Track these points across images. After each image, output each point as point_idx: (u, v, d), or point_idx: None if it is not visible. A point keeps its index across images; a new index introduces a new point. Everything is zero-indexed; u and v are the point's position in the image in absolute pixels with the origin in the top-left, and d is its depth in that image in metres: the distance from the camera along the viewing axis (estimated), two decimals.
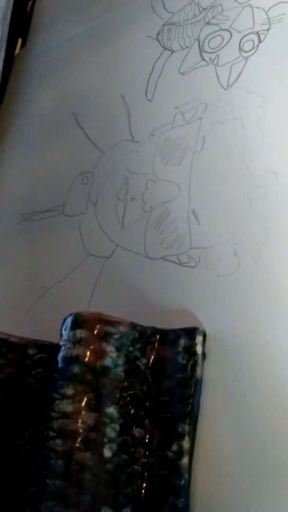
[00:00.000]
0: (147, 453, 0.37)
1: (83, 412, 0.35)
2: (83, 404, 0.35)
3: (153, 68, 0.56)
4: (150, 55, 0.57)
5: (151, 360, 0.40)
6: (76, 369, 0.36)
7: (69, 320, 0.39)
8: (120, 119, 0.56)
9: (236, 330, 0.39)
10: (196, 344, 0.39)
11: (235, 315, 0.40)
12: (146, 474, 0.37)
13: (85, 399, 0.36)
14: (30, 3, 0.79)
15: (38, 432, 0.40)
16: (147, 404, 0.38)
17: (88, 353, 0.37)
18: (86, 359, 0.37)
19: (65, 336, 0.38)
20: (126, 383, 0.38)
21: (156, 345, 0.40)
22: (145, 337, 0.40)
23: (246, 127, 0.46)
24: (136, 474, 0.36)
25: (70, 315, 0.39)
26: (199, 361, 0.39)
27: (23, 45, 0.76)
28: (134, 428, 0.37)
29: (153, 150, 0.52)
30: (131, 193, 0.51)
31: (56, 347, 0.43)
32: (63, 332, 0.39)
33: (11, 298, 0.55)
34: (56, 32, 0.70)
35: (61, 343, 0.38)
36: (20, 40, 0.77)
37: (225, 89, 0.50)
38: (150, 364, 0.40)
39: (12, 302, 0.54)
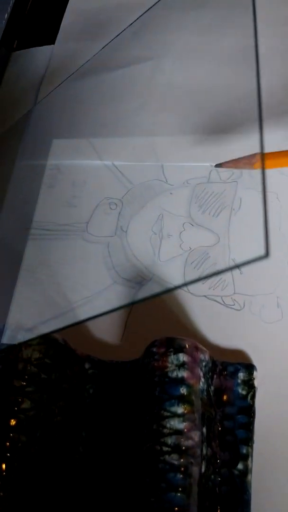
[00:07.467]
0: (217, 470, 0.42)
1: (193, 430, 0.38)
2: (191, 422, 0.39)
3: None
4: None
5: (214, 388, 0.45)
6: (183, 390, 0.40)
7: (168, 343, 0.42)
8: (152, 159, 0.60)
9: (283, 366, 0.47)
10: (254, 378, 0.45)
11: (282, 354, 0.47)
12: (217, 489, 0.41)
13: (193, 418, 0.39)
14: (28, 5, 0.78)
15: (93, 447, 0.42)
16: (214, 427, 0.43)
17: (191, 376, 0.41)
18: (191, 381, 0.40)
19: (165, 358, 0.41)
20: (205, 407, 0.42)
21: (219, 376, 0.45)
22: (213, 367, 0.45)
23: (281, 202, 0.56)
24: (211, 490, 0.40)
25: (166, 338, 0.42)
26: (256, 393, 0.45)
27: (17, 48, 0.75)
28: (207, 448, 0.42)
29: (189, 195, 0.57)
30: (167, 230, 0.56)
31: (106, 365, 0.45)
32: (156, 353, 0.41)
33: (29, 308, 0.53)
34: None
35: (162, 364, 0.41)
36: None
37: None
38: (214, 392, 0.45)
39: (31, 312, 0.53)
